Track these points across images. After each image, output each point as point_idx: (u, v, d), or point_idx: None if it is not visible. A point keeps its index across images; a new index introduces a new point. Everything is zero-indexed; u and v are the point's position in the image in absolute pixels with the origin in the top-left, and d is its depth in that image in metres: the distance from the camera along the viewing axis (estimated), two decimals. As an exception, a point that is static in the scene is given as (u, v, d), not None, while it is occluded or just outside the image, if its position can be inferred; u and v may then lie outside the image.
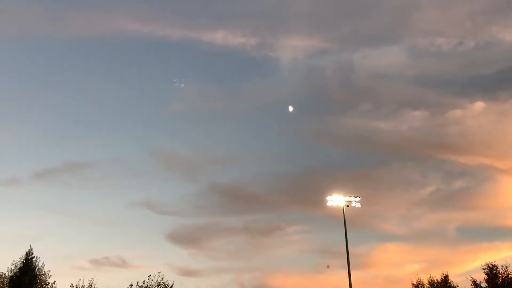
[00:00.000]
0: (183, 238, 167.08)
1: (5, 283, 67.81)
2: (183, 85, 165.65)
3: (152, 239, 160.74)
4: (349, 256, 71.37)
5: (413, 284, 72.11)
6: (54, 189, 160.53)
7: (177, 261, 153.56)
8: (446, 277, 70.38)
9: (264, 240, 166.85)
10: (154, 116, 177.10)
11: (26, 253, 64.38)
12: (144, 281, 71.34)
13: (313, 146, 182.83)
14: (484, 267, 70.09)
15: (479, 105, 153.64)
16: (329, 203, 74.61)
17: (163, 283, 71.58)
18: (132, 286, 69.77)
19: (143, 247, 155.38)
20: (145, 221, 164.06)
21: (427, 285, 70.65)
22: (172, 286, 71.80)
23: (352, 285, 69.46)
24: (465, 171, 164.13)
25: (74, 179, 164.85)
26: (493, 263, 69.84)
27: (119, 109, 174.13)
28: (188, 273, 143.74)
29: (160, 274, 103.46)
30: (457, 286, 71.00)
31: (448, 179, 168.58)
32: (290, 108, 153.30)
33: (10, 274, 66.18)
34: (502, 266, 69.82)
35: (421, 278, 72.46)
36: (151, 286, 70.37)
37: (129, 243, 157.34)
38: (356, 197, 74.76)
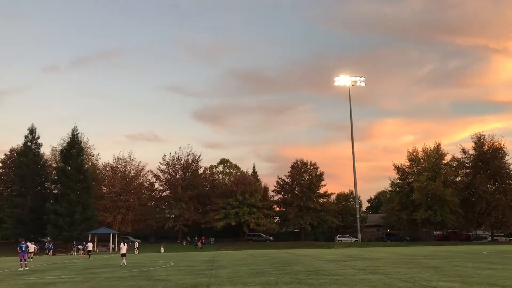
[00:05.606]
0: (207, 116, 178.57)
1: (56, 155, 78.38)
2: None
3: (179, 117, 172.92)
4: (353, 129, 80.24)
5: (408, 151, 79.73)
6: (90, 75, 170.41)
7: (202, 136, 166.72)
8: (438, 145, 77.90)
9: (277, 118, 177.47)
10: (176, 6, 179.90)
11: (72, 129, 72.70)
12: (175, 151, 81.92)
13: (322, 31, 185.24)
14: (473, 137, 77.87)
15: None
16: (336, 83, 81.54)
17: (192, 153, 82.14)
18: (166, 156, 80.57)
19: (172, 124, 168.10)
20: (173, 101, 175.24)
21: (421, 153, 78.62)
22: (199, 156, 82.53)
23: (355, 154, 79.20)
24: (461, 51, 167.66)
25: (108, 66, 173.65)
26: (481, 133, 77.61)
27: (146, 1, 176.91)
28: (211, 145, 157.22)
29: (189, 145, 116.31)
30: (448, 153, 78.79)
31: (445, 59, 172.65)
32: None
33: (60, 148, 76.48)
34: (489, 136, 77.81)
35: (416, 147, 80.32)
36: (182, 156, 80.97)
37: (159, 121, 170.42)
38: (361, 77, 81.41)
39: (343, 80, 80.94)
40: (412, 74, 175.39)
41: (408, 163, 79.16)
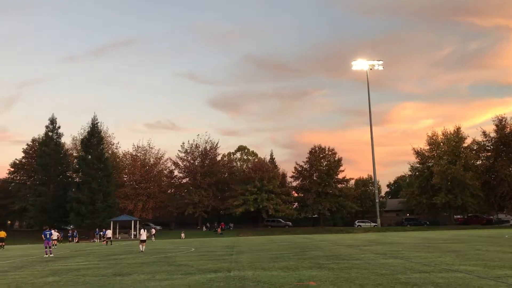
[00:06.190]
0: (223, 104, 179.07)
1: (77, 144, 79.60)
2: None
3: (196, 105, 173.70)
4: (371, 114, 79.55)
5: (428, 135, 78.95)
6: (108, 64, 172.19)
7: (219, 123, 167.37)
8: (458, 129, 76.87)
9: (294, 104, 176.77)
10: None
11: (92, 119, 73.59)
12: (193, 139, 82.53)
13: (338, 15, 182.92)
14: (494, 119, 76.00)
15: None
16: (354, 68, 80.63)
17: (210, 141, 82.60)
18: (184, 144, 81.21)
19: (189, 112, 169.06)
20: (189, 89, 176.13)
21: (441, 136, 77.70)
22: (217, 143, 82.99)
23: (373, 139, 78.65)
24: (481, 33, 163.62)
25: (124, 54, 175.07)
26: (503, 116, 75.71)
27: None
28: (228, 133, 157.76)
29: (207, 133, 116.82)
30: (468, 136, 77.58)
31: (464, 41, 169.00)
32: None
33: (80, 137, 77.66)
34: (511, 118, 76.04)
35: (436, 131, 79.42)
36: (200, 143, 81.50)
37: (177, 109, 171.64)
38: (379, 60, 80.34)
39: (360, 64, 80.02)
40: (431, 56, 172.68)
41: (428, 147, 78.37)
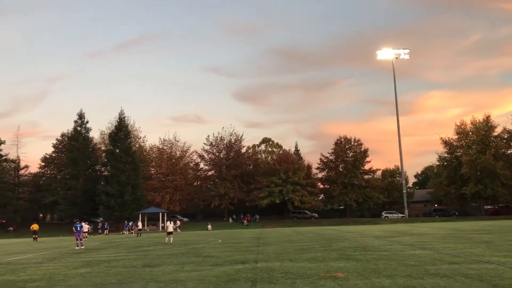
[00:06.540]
0: (247, 96, 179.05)
1: (105, 138, 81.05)
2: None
3: (221, 98, 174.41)
4: (397, 103, 78.36)
5: (456, 124, 76.98)
6: (133, 58, 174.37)
7: (243, 115, 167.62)
8: (487, 117, 74.73)
9: (318, 94, 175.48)
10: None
11: (119, 113, 74.56)
12: (218, 132, 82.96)
13: (363, 4, 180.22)
14: None
15: None
16: (379, 57, 79.42)
17: (235, 133, 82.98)
18: (209, 137, 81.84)
19: (214, 105, 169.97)
20: (214, 82, 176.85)
21: (470, 125, 75.91)
22: (242, 136, 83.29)
23: (400, 129, 77.51)
24: (510, 18, 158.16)
25: (151, 49, 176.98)
26: (535, 103, 73.68)
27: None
28: (253, 125, 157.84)
29: (231, 125, 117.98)
30: (498, 124, 75.50)
31: (492, 27, 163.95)
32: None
33: (108, 131, 79.05)
34: (543, 105, 73.81)
35: (464, 120, 77.33)
36: (225, 136, 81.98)
37: (202, 102, 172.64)
38: (405, 49, 78.91)
39: (386, 53, 78.77)
40: (458, 44, 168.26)
41: (456, 137, 76.76)
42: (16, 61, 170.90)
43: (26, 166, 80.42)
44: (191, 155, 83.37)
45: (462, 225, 43.90)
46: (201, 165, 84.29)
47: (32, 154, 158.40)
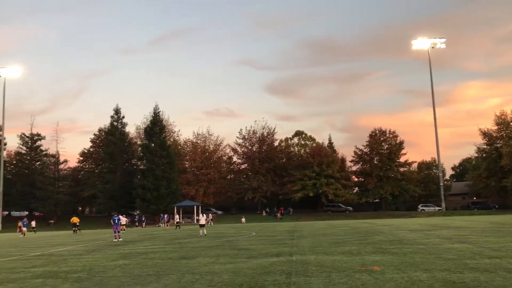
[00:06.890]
0: (279, 89, 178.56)
1: (141, 133, 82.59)
2: None
3: (253, 92, 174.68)
4: (434, 94, 76.21)
5: (496, 115, 74.51)
6: (166, 54, 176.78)
7: (275, 108, 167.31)
8: None
9: (351, 87, 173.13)
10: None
11: (154, 108, 76.11)
12: (251, 125, 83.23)
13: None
14: None
15: None
16: (414, 47, 77.52)
17: (267, 126, 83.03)
18: (242, 130, 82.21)
19: (246, 99, 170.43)
20: (246, 76, 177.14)
21: (510, 116, 73.26)
22: (274, 129, 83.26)
23: (437, 120, 75.56)
24: None
25: (182, 44, 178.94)
26: None
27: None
28: (285, 118, 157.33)
29: (264, 119, 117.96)
30: None
31: None
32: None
33: (143, 126, 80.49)
34: None
35: (504, 110, 74.76)
36: (257, 129, 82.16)
37: (234, 96, 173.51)
38: (441, 38, 76.71)
39: (421, 43, 76.71)
40: (496, 32, 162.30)
41: (496, 127, 74.39)
42: (53, 59, 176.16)
43: (66, 161, 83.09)
44: (224, 149, 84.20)
45: (503, 219, 42.60)
46: (234, 158, 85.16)
47: (71, 149, 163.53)
